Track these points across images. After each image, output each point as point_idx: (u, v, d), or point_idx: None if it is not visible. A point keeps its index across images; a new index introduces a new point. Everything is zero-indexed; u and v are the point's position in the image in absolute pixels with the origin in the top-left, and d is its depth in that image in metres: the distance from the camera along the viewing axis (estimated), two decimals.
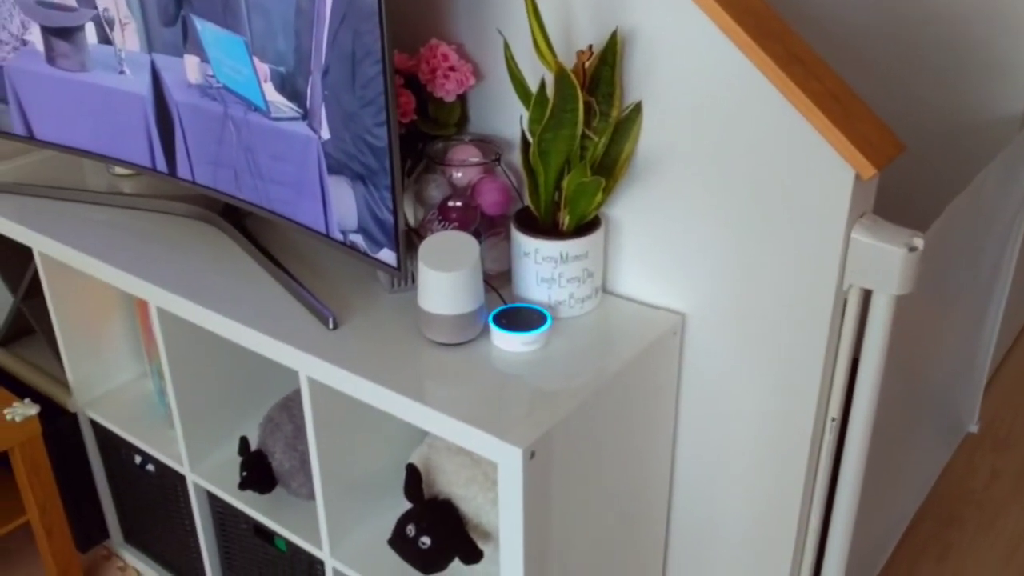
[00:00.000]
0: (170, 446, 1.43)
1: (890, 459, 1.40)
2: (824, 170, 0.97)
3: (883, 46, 1.71)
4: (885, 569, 1.65)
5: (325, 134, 1.07)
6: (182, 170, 1.31)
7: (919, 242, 0.97)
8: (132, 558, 1.68)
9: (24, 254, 1.49)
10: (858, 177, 0.95)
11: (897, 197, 1.68)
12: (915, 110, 1.70)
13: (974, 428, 1.99)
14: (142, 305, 1.43)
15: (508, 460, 0.94)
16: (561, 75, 0.98)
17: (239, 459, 1.31)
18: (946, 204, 1.23)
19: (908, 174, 1.72)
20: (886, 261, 0.98)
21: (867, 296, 1.04)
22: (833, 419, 1.11)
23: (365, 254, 1.11)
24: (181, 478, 1.43)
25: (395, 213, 1.05)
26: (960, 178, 1.33)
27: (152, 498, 1.55)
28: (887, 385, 1.18)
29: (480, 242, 1.15)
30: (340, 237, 1.13)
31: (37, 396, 1.58)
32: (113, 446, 1.56)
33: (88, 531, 1.66)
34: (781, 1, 1.80)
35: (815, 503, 1.17)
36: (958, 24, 1.61)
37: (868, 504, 1.31)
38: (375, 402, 1.04)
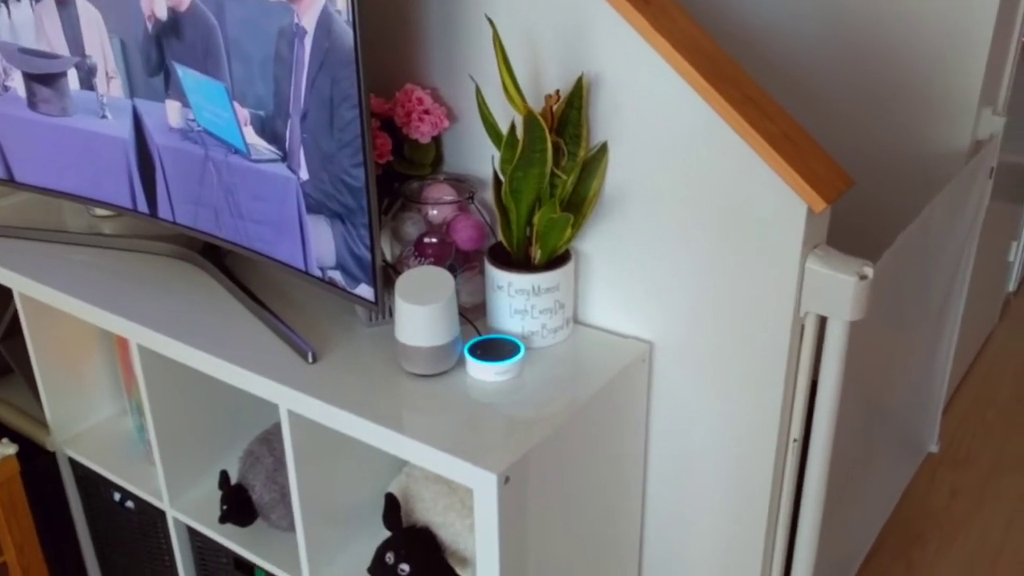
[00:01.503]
0: (150, 482, 1.45)
1: (853, 479, 1.45)
2: (779, 205, 1.03)
3: (833, 84, 1.79)
4: None
5: (304, 175, 1.12)
6: (163, 211, 1.34)
7: (869, 271, 1.03)
8: None
9: (2, 295, 1.51)
10: (810, 211, 1.01)
11: (851, 229, 1.75)
12: (865, 145, 1.78)
13: (934, 448, 2.05)
14: (122, 343, 1.45)
15: (483, 486, 0.97)
16: (530, 118, 1.04)
17: (219, 493, 1.32)
18: (897, 234, 1.29)
19: (860, 206, 1.79)
20: (838, 289, 1.04)
21: (823, 322, 1.09)
22: (795, 440, 1.16)
23: (344, 290, 1.15)
24: (161, 514, 1.44)
25: (372, 250, 1.09)
26: (910, 209, 1.40)
27: (131, 535, 1.56)
28: (847, 407, 1.23)
29: (455, 276, 1.19)
30: (319, 273, 1.17)
31: (15, 436, 1.59)
32: (92, 484, 1.56)
33: (66, 570, 1.65)
34: (735, 44, 1.88)
35: (780, 522, 1.21)
36: (904, 63, 1.69)
37: (833, 523, 1.36)
38: (354, 433, 1.07)
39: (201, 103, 1.19)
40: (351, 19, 0.98)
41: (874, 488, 1.65)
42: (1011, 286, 2.68)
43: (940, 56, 1.65)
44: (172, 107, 1.23)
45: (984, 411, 2.19)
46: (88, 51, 1.29)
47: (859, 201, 1.79)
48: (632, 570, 1.33)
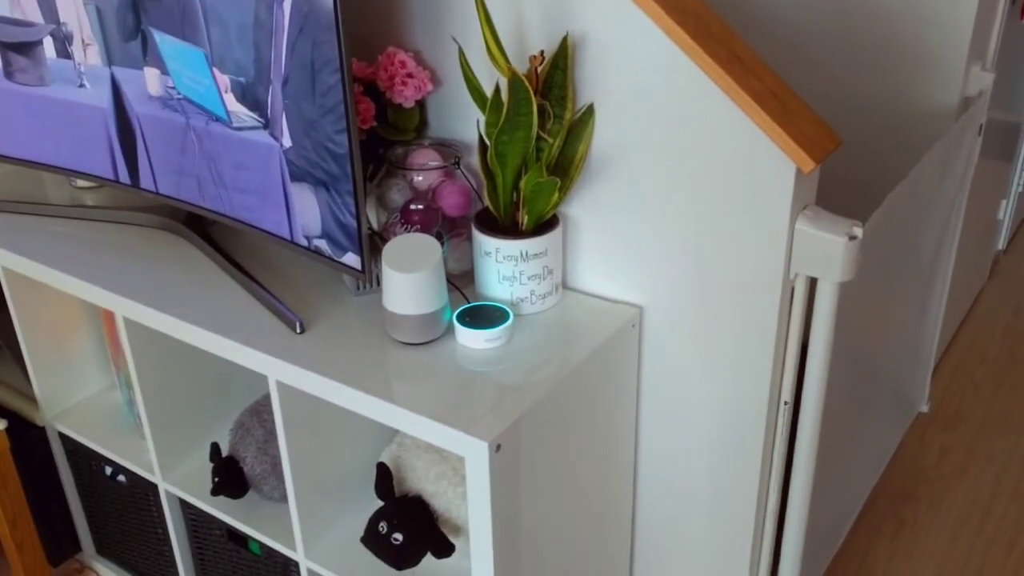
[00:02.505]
0: (141, 456, 1.44)
1: (844, 440, 1.45)
2: (767, 165, 1.02)
3: (820, 42, 1.77)
4: (843, 546, 1.71)
5: (287, 142, 1.10)
6: (145, 181, 1.32)
7: (858, 231, 1.03)
8: (105, 570, 1.68)
9: None
10: (799, 171, 1.00)
11: (839, 188, 1.74)
12: (853, 103, 1.76)
13: (924, 408, 2.06)
14: (108, 316, 1.44)
15: (475, 454, 0.97)
16: (514, 80, 1.02)
17: (210, 465, 1.32)
18: (886, 193, 1.29)
19: (849, 165, 1.78)
20: (828, 250, 1.03)
21: (813, 284, 1.09)
22: (786, 402, 1.16)
23: (330, 258, 1.14)
24: (153, 487, 1.44)
25: (358, 217, 1.08)
26: (899, 169, 1.39)
27: (123, 509, 1.56)
28: (837, 369, 1.23)
29: (442, 243, 1.18)
30: (304, 243, 1.16)
31: (3, 411, 1.58)
32: (83, 458, 1.56)
33: (59, 544, 1.66)
34: (723, 4, 1.85)
35: (772, 483, 1.22)
36: (893, 20, 1.67)
37: (824, 483, 1.37)
38: (344, 403, 1.06)
39: (180, 70, 1.17)
40: None
41: (865, 448, 1.66)
42: (1000, 244, 2.68)
43: (929, 12, 1.63)
44: (151, 74, 1.21)
45: (973, 370, 2.20)
46: (63, 18, 1.26)
47: (847, 160, 1.78)
48: (625, 534, 1.33)
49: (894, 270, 1.48)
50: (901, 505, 1.81)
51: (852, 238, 1.02)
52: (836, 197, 1.16)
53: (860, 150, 1.76)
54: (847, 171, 1.80)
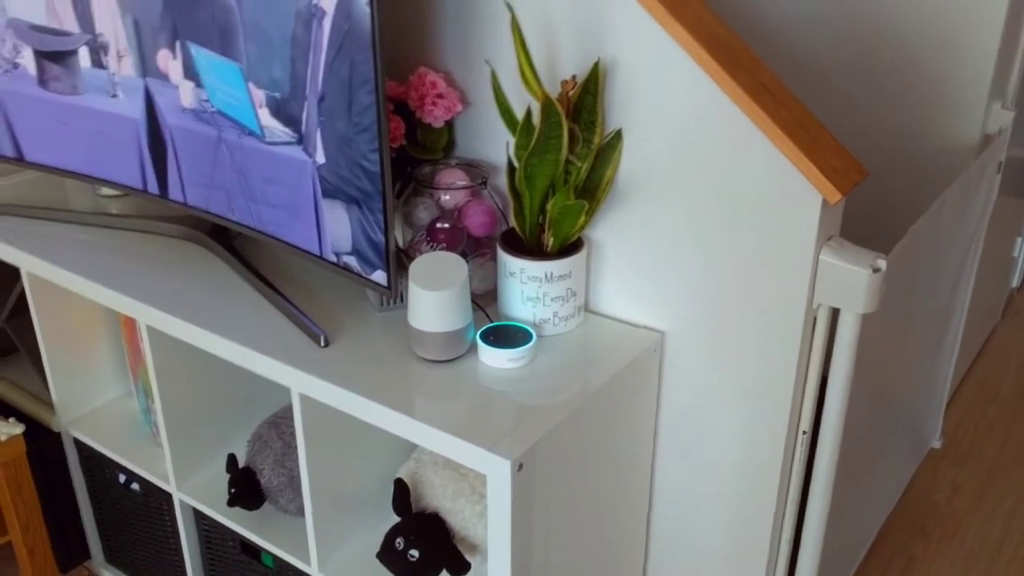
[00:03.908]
0: (156, 464, 1.45)
1: (859, 472, 1.45)
2: (793, 195, 1.02)
3: (843, 77, 1.79)
4: None
5: (320, 159, 1.11)
6: (173, 192, 1.34)
7: (882, 263, 1.03)
8: None
9: (8, 274, 1.51)
10: (825, 202, 1.01)
11: (861, 221, 1.75)
12: (875, 137, 1.78)
13: (937, 444, 2.05)
14: (128, 324, 1.45)
15: (497, 472, 0.97)
16: (547, 104, 1.03)
17: (226, 476, 1.32)
18: (907, 227, 1.29)
19: (870, 199, 1.79)
20: (852, 281, 1.04)
21: (835, 315, 1.09)
22: (804, 432, 1.16)
23: (359, 275, 1.15)
24: (167, 496, 1.44)
25: (386, 235, 1.09)
26: (920, 202, 1.40)
27: (136, 517, 1.56)
28: (855, 401, 1.23)
29: (467, 262, 1.19)
30: (334, 259, 1.17)
31: (20, 416, 1.59)
32: (97, 465, 1.57)
33: (69, 551, 1.66)
34: (749, 33, 1.87)
35: (788, 513, 1.22)
36: (916, 57, 1.69)
37: (838, 515, 1.36)
38: (367, 417, 1.07)
39: (215, 83, 1.19)
40: (370, 0, 0.97)
41: (879, 481, 1.66)
42: (1015, 282, 2.68)
43: (951, 49, 1.65)
44: (185, 87, 1.23)
45: (986, 407, 2.20)
46: (99, 29, 1.28)
47: (869, 193, 1.79)
48: (638, 558, 1.33)
49: (912, 304, 1.48)
50: (912, 540, 1.80)
51: (876, 270, 1.03)
52: (856, 230, 1.17)
53: (881, 185, 1.77)
54: (868, 205, 1.81)
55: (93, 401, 1.59)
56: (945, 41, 1.65)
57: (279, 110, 1.13)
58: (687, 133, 1.07)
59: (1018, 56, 1.74)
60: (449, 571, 1.15)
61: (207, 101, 1.21)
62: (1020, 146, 2.02)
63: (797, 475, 1.19)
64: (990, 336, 2.49)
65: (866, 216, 1.81)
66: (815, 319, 1.09)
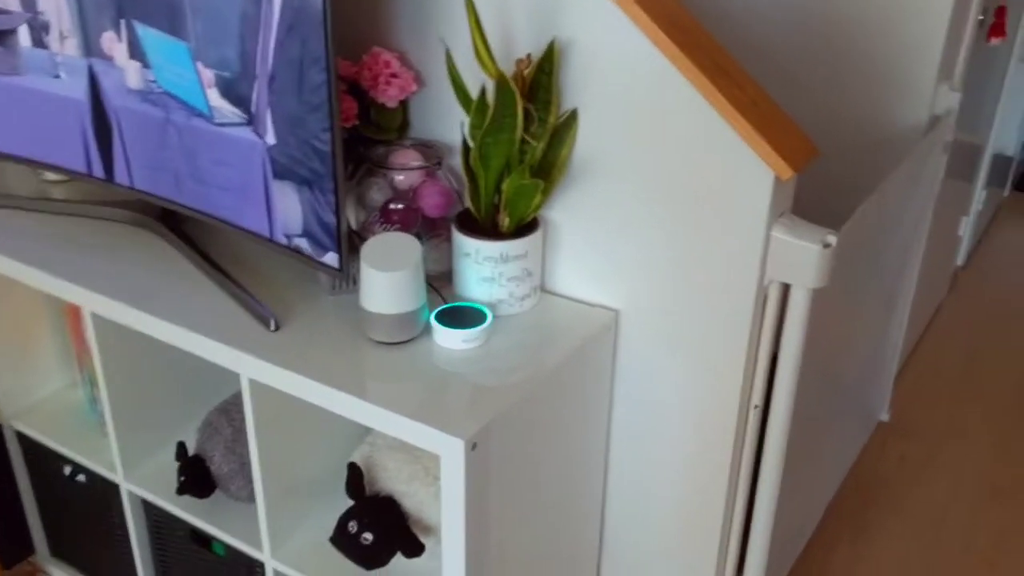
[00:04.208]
0: (102, 455, 1.42)
1: (809, 446, 1.48)
2: (746, 173, 1.03)
3: (794, 60, 1.81)
4: (805, 551, 1.73)
5: (271, 139, 1.09)
6: (120, 175, 1.30)
7: (832, 239, 1.05)
8: (59, 573, 1.65)
9: None
10: (777, 179, 1.02)
11: (812, 201, 1.78)
12: (828, 120, 1.80)
13: (885, 417, 2.10)
14: (73, 312, 1.42)
15: (450, 452, 0.97)
16: (501, 82, 1.03)
17: (175, 465, 1.30)
18: (857, 207, 1.31)
19: (819, 178, 1.82)
20: (803, 257, 1.05)
21: (786, 290, 1.11)
22: (756, 406, 1.18)
23: (310, 258, 1.13)
24: (114, 487, 1.41)
25: (338, 216, 1.07)
26: (869, 182, 1.42)
27: (82, 509, 1.53)
28: (805, 375, 1.25)
29: (422, 243, 1.18)
30: (284, 241, 1.15)
31: None
32: (41, 458, 1.53)
33: (13, 546, 1.62)
34: (701, 17, 1.88)
35: (740, 486, 1.23)
36: (865, 40, 1.71)
37: (790, 487, 1.39)
38: (319, 401, 1.06)
39: (162, 63, 1.16)
40: None
41: (828, 455, 1.69)
42: (960, 260, 2.75)
43: (900, 32, 1.67)
44: (131, 67, 1.19)
45: (933, 381, 2.26)
46: (41, 7, 1.24)
47: (820, 174, 1.81)
48: (594, 534, 1.34)
49: (861, 281, 1.51)
50: (861, 510, 1.84)
51: (826, 246, 1.04)
52: (807, 209, 1.18)
53: (832, 165, 1.80)
54: (819, 185, 1.84)
55: (36, 392, 1.55)
56: (893, 24, 1.68)
57: (228, 90, 1.10)
58: (643, 112, 1.07)
59: (965, 38, 1.77)
60: (403, 553, 1.14)
61: (154, 82, 1.18)
62: (965, 128, 2.06)
63: (749, 449, 1.21)
64: (936, 312, 2.55)
65: (817, 196, 1.84)
66: (766, 295, 1.11)
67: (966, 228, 2.59)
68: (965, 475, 1.95)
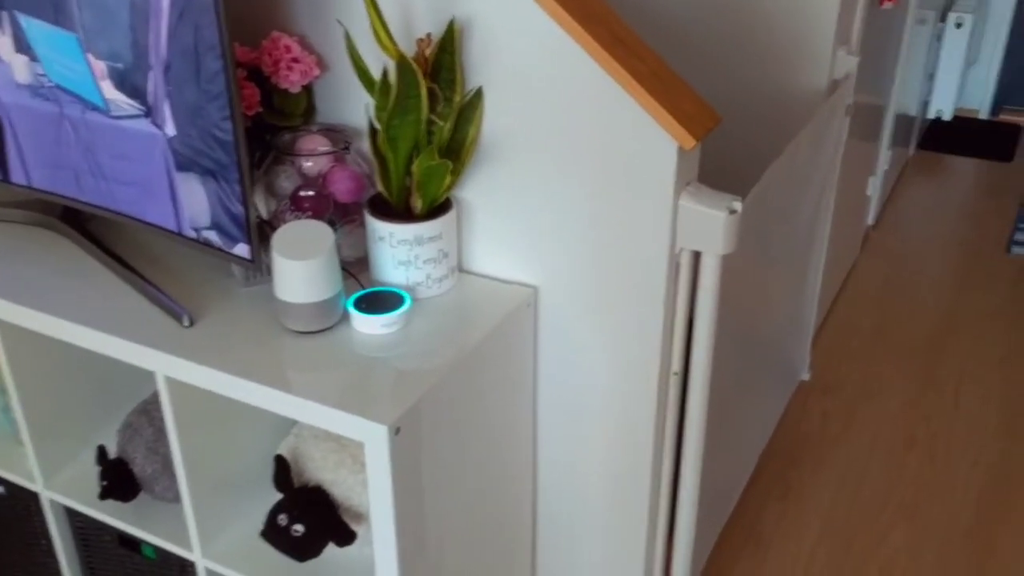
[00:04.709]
0: (19, 464, 1.37)
1: (732, 408, 1.52)
2: (650, 143, 1.05)
3: (690, 28, 1.83)
4: (735, 511, 1.78)
5: (170, 130, 1.07)
6: (16, 175, 1.26)
7: (738, 205, 1.07)
8: None
9: None
10: (681, 148, 1.04)
11: (719, 168, 1.81)
12: (729, 88, 1.83)
13: (806, 376, 2.17)
14: None
15: (374, 438, 0.97)
16: (403, 63, 1.02)
17: (97, 469, 1.27)
18: (761, 172, 1.34)
19: (725, 146, 1.85)
20: (710, 224, 1.07)
21: (697, 258, 1.13)
22: (675, 373, 1.20)
23: (220, 250, 1.11)
24: (34, 496, 1.37)
25: (246, 206, 1.05)
26: (773, 149, 1.45)
27: (3, 522, 1.48)
28: (723, 339, 1.28)
29: (335, 230, 1.17)
30: (193, 234, 1.13)
31: None
32: None
33: None
34: None
35: (665, 452, 1.26)
36: (761, 6, 1.75)
37: (715, 451, 1.42)
38: (237, 395, 1.04)
39: (51, 56, 1.12)
40: None
41: (752, 416, 1.74)
42: (870, 219, 2.84)
43: None
44: (18, 61, 1.15)
45: (849, 339, 2.33)
46: None
47: (723, 140, 1.85)
48: (527, 511, 1.36)
49: (773, 245, 1.55)
50: (787, 469, 1.90)
51: (732, 212, 1.07)
52: (713, 177, 1.21)
53: (735, 132, 1.83)
54: (723, 152, 1.87)
55: None
56: None
57: (123, 81, 1.07)
58: (546, 88, 1.08)
59: (859, 3, 1.82)
60: (335, 543, 1.14)
61: (44, 75, 1.14)
62: (866, 90, 2.12)
63: (672, 415, 1.24)
64: (850, 272, 2.63)
65: (723, 163, 1.87)
66: (679, 263, 1.13)
67: (874, 188, 2.67)
68: (883, 429, 2.02)
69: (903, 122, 2.90)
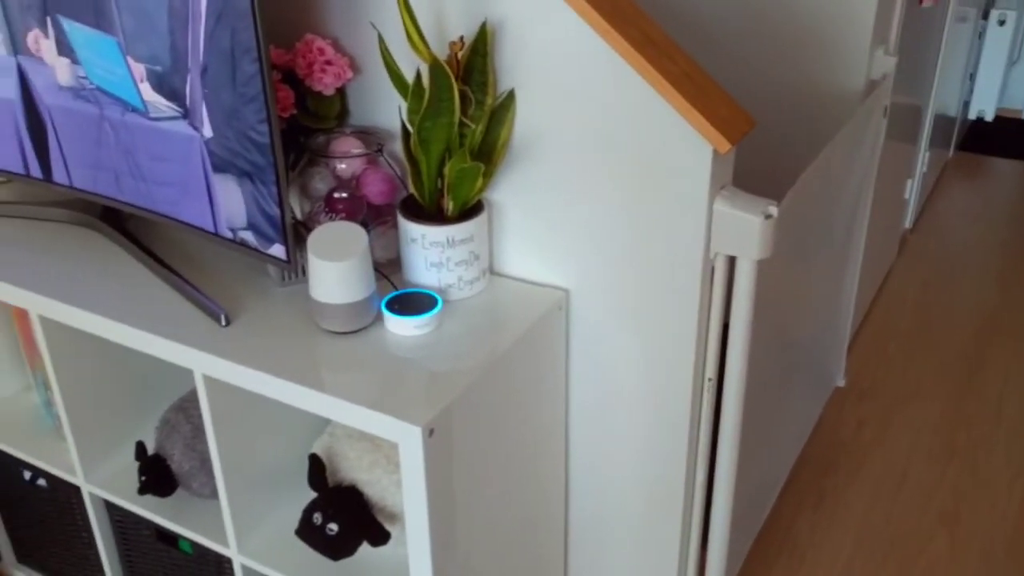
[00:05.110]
0: (61, 458, 1.40)
1: (766, 414, 1.50)
2: (685, 147, 1.04)
3: (726, 28, 1.81)
4: (768, 518, 1.76)
5: (207, 132, 1.08)
6: (58, 175, 1.28)
7: (774, 210, 1.06)
8: None
9: None
10: (715, 152, 1.03)
11: (755, 171, 1.80)
12: (765, 90, 1.82)
13: (841, 382, 2.14)
14: (21, 315, 1.40)
15: (408, 439, 0.97)
16: (435, 66, 1.02)
17: (136, 464, 1.29)
18: (798, 174, 1.33)
19: (760, 149, 1.84)
20: (745, 229, 1.06)
21: (732, 262, 1.12)
22: (710, 379, 1.20)
23: (256, 250, 1.13)
24: (75, 489, 1.40)
25: (281, 207, 1.07)
26: (810, 150, 1.44)
27: (45, 514, 1.51)
28: (758, 345, 1.27)
29: (368, 231, 1.18)
30: (229, 235, 1.14)
31: None
32: None
33: None
34: None
35: (699, 459, 1.25)
36: (797, 6, 1.73)
37: (748, 457, 1.41)
38: (273, 394, 1.06)
39: (92, 59, 1.14)
40: None
41: (786, 422, 1.72)
42: (908, 222, 2.79)
43: None
44: (61, 64, 1.17)
45: (886, 344, 2.30)
46: None
47: (759, 143, 1.83)
48: (559, 513, 1.35)
49: (808, 249, 1.53)
50: (822, 476, 1.88)
51: (768, 217, 1.06)
52: (749, 180, 1.20)
53: (772, 135, 1.82)
54: (758, 155, 1.85)
55: None
56: None
57: (161, 84, 1.09)
58: (579, 90, 1.08)
59: (898, 3, 1.80)
60: (369, 542, 1.15)
61: (85, 78, 1.16)
62: (904, 91, 2.09)
63: (706, 422, 1.23)
64: (887, 276, 2.59)
65: (759, 166, 1.86)
66: (713, 267, 1.12)
67: (912, 190, 2.63)
68: (921, 436, 1.99)
69: (942, 123, 2.86)
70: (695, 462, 1.25)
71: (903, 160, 2.38)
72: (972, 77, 3.22)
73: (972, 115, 3.32)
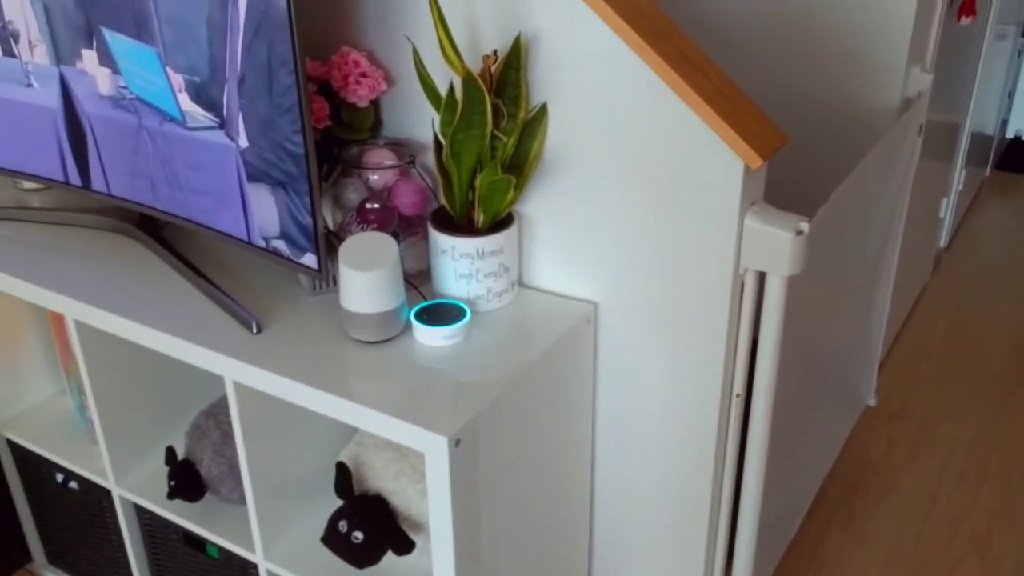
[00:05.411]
0: (93, 461, 1.42)
1: (795, 432, 1.49)
2: (716, 162, 1.04)
3: (762, 44, 1.81)
4: (795, 537, 1.74)
5: (243, 142, 1.10)
6: (96, 182, 1.31)
7: (805, 226, 1.06)
8: None
9: None
10: (747, 168, 1.03)
11: (785, 187, 1.79)
12: (799, 105, 1.81)
13: (872, 401, 2.11)
14: (57, 320, 1.42)
15: (434, 449, 0.98)
16: (469, 79, 1.03)
17: (166, 469, 1.31)
18: (831, 191, 1.32)
19: (794, 165, 1.83)
20: (776, 245, 1.06)
21: (762, 278, 1.12)
22: (738, 395, 1.19)
23: (289, 259, 1.14)
24: (106, 493, 1.42)
25: (314, 217, 1.08)
26: (844, 167, 1.43)
27: (76, 516, 1.53)
28: (787, 362, 1.26)
29: (399, 242, 1.19)
30: (262, 244, 1.16)
31: None
32: (33, 466, 1.53)
33: (9, 554, 1.62)
34: (670, 4, 1.88)
35: (726, 475, 1.24)
36: (833, 22, 1.72)
37: (776, 475, 1.40)
38: (302, 402, 1.06)
39: (132, 69, 1.16)
40: None
41: (815, 440, 1.70)
42: (942, 241, 2.76)
43: (869, 14, 1.68)
44: (102, 74, 1.20)
45: (918, 364, 2.27)
46: (8, 16, 1.24)
47: (793, 159, 1.82)
48: (583, 527, 1.35)
49: (840, 266, 1.52)
50: (851, 496, 1.85)
51: (799, 233, 1.05)
52: (781, 196, 1.19)
53: (805, 151, 1.81)
54: (791, 171, 1.84)
55: (25, 401, 1.55)
56: (862, 8, 1.68)
57: (199, 94, 1.11)
58: (611, 105, 1.08)
59: (935, 20, 1.78)
60: (394, 551, 1.15)
61: (125, 88, 1.19)
62: (940, 109, 2.07)
63: (733, 438, 1.22)
64: (920, 295, 2.56)
65: (792, 182, 1.85)
66: (743, 283, 1.12)
67: (947, 209, 2.60)
68: (953, 457, 1.96)
69: (979, 141, 2.82)
70: (722, 478, 1.24)
71: (939, 178, 2.36)
72: (1011, 95, 3.18)
73: (1010, 133, 3.28)
